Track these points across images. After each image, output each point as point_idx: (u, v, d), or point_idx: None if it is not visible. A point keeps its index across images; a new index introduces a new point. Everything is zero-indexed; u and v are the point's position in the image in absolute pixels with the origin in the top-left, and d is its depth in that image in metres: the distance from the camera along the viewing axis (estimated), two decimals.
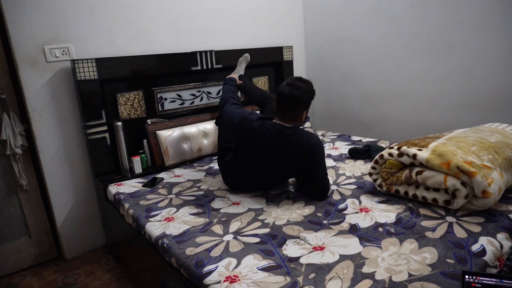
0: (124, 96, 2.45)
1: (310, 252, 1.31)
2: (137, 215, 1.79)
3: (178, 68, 2.64)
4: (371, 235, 1.38)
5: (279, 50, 3.14)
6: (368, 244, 1.32)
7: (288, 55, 3.20)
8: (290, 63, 3.23)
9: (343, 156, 2.39)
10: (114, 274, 2.22)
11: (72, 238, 2.44)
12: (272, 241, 1.41)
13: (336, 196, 1.77)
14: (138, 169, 2.40)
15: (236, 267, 1.26)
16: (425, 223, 1.42)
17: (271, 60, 3.14)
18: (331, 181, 1.97)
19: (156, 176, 2.29)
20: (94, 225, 2.52)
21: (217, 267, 1.27)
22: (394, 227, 1.42)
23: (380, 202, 1.65)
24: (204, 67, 2.74)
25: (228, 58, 2.84)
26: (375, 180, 1.75)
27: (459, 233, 1.33)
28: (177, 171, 2.38)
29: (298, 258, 1.28)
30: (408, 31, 2.66)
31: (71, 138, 2.35)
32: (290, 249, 1.34)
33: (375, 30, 2.88)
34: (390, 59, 2.84)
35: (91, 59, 2.22)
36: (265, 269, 1.23)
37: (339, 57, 3.23)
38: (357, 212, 1.58)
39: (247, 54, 2.69)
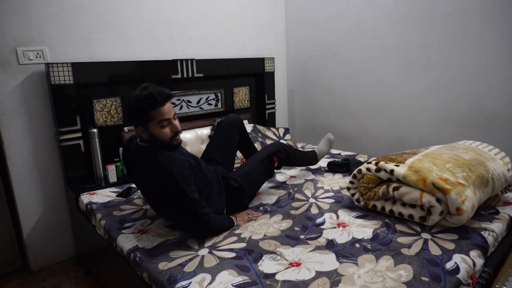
0: (101, 102, 2.38)
1: (286, 268, 1.28)
2: (110, 226, 1.72)
3: (158, 75, 2.59)
4: (348, 251, 1.37)
5: (261, 61, 3.15)
6: (345, 260, 1.30)
7: (270, 66, 3.21)
8: (271, 74, 3.24)
9: (322, 169, 2.39)
10: (82, 287, 2.12)
11: (40, 248, 2.33)
12: (248, 256, 1.38)
13: (314, 210, 1.76)
14: (113, 178, 2.32)
15: (210, 283, 1.22)
16: (401, 240, 1.42)
17: (253, 71, 3.14)
18: (308, 194, 1.96)
19: (131, 185, 2.22)
20: (64, 235, 2.42)
21: (190, 283, 1.23)
22: (370, 243, 1.42)
23: (358, 217, 1.65)
24: (185, 76, 2.71)
25: (210, 67, 2.82)
26: (353, 195, 1.75)
27: (434, 250, 1.33)
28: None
29: (274, 274, 1.25)
30: (389, 47, 2.72)
31: (42, 144, 2.25)
32: (266, 265, 1.31)
33: (357, 45, 2.93)
34: (370, 74, 2.89)
35: (67, 63, 2.15)
36: (239, 286, 1.19)
37: (320, 70, 3.27)
38: (335, 227, 1.57)
39: (331, 137, 2.36)
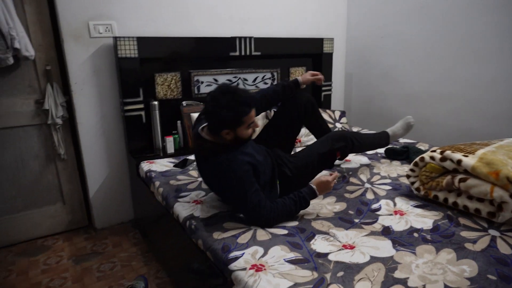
0: (162, 76, 2.47)
1: (340, 249, 1.27)
2: (167, 194, 1.81)
3: (217, 52, 2.62)
4: (405, 240, 1.32)
5: (319, 41, 3.06)
6: (402, 248, 1.26)
7: (329, 47, 3.11)
8: (329, 55, 3.14)
9: (379, 155, 2.30)
10: (140, 248, 2.27)
11: (103, 209, 2.52)
12: (300, 234, 1.38)
13: (369, 195, 1.71)
14: (170, 149, 2.43)
15: (262, 256, 1.24)
16: (465, 234, 1.34)
17: (311, 52, 3.06)
18: (364, 179, 1.91)
19: (187, 158, 2.30)
20: (124, 199, 2.59)
21: (243, 254, 1.26)
22: (430, 234, 1.35)
23: (417, 206, 1.58)
24: (243, 53, 2.71)
25: (267, 45, 2.80)
26: (412, 183, 1.67)
27: (503, 248, 1.24)
28: None
29: (327, 254, 1.24)
30: (458, 32, 2.50)
31: (108, 113, 2.40)
32: (319, 245, 1.31)
33: (423, 29, 2.73)
34: (435, 60, 2.69)
35: (133, 37, 2.24)
36: (292, 262, 1.20)
37: (381, 53, 3.11)
38: (391, 214, 1.52)
39: (411, 120, 2.10)
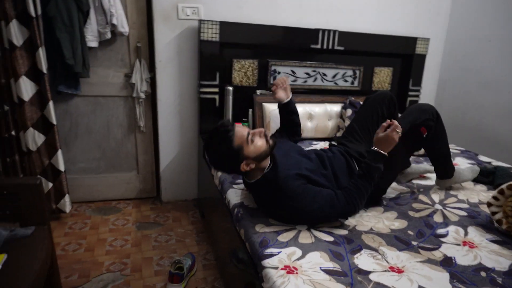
0: (240, 62, 2.50)
1: (385, 270, 1.14)
2: (224, 179, 1.83)
3: (298, 43, 2.56)
4: (467, 277, 1.13)
5: (412, 41, 2.78)
6: (461, 286, 1.08)
7: (422, 48, 2.81)
8: (422, 57, 2.85)
9: None
10: (196, 227, 2.37)
11: (170, 184, 2.67)
12: (346, 245, 1.28)
13: (437, 218, 1.51)
14: None
15: (299, 259, 1.18)
16: None
17: (400, 51, 2.81)
18: (436, 199, 1.69)
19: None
20: (190, 177, 2.71)
21: (280, 252, 1.21)
22: (503, 277, 1.14)
23: (493, 241, 1.34)
24: (324, 47, 2.60)
25: (352, 40, 2.64)
26: (493, 213, 1.43)
27: None
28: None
29: (369, 272, 1.13)
30: None
31: (186, 93, 2.52)
32: (363, 260, 1.19)
33: None
34: None
35: (216, 21, 2.30)
36: (328, 272, 1.12)
37: (485, 60, 2.71)
38: (459, 244, 1.32)
39: (476, 169, 1.88)
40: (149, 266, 1.93)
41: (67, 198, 2.29)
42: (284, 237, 1.31)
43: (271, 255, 1.19)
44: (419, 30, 2.89)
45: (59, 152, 2.21)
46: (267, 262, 1.16)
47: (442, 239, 1.35)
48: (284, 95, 1.74)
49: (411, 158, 1.99)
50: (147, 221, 2.40)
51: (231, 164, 1.40)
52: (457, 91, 2.98)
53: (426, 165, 1.94)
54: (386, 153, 1.37)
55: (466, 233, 1.40)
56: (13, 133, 2.10)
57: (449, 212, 1.57)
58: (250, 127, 2.54)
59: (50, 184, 2.24)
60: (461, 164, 2.18)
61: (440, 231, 1.41)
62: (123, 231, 2.25)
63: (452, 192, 1.77)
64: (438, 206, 1.62)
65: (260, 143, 1.39)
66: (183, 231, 2.31)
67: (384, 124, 1.39)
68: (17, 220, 1.38)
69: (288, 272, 1.11)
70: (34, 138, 2.14)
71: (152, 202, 2.69)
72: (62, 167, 2.23)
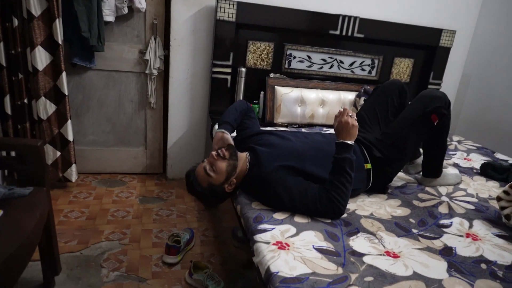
0: (255, 44, 2.46)
1: (380, 254, 1.10)
2: None
3: (316, 28, 2.49)
4: (466, 268, 1.08)
5: (437, 32, 2.67)
6: (458, 275, 1.03)
7: (447, 40, 2.70)
8: (446, 50, 2.73)
9: (474, 171, 1.94)
10: (198, 204, 2.36)
11: (177, 161, 2.67)
12: (343, 227, 1.25)
13: (442, 209, 1.45)
14: None
15: (292, 236, 1.15)
16: None
17: (423, 42, 2.70)
18: (443, 192, 1.62)
19: (263, 129, 2.27)
20: (197, 156, 2.70)
21: (273, 228, 1.19)
22: (504, 270, 1.08)
23: (499, 236, 1.28)
24: (343, 33, 2.53)
25: (373, 28, 2.56)
26: (502, 208, 1.36)
27: None
28: (282, 130, 2.32)
29: (363, 255, 1.09)
30: None
31: (198, 72, 2.50)
32: (359, 243, 1.16)
33: None
34: None
35: (233, 1, 2.26)
36: (320, 250, 1.09)
37: None
38: (461, 236, 1.26)
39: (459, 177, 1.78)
40: (147, 238, 1.94)
41: (73, 167, 2.32)
42: (280, 215, 1.29)
43: (264, 231, 1.17)
44: (445, 22, 2.77)
45: (69, 123, 2.24)
46: (259, 236, 1.14)
47: (444, 229, 1.30)
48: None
49: None
50: (151, 195, 2.42)
51: (218, 197, 1.44)
52: (481, 87, 2.86)
53: None
54: (349, 142, 1.31)
55: (471, 226, 1.34)
56: (25, 101, 2.14)
57: (455, 204, 1.50)
58: (260, 109, 2.51)
59: (58, 153, 2.28)
60: (475, 159, 2.09)
61: (444, 221, 1.35)
62: (126, 203, 2.27)
63: (461, 186, 1.70)
64: (444, 198, 1.55)
65: (220, 165, 1.38)
66: (185, 207, 2.31)
67: (336, 114, 1.37)
68: (19, 181, 1.41)
69: (279, 248, 1.08)
70: (46, 107, 2.17)
71: (157, 178, 2.70)
72: (70, 137, 2.26)
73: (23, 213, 1.22)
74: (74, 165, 2.32)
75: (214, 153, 1.40)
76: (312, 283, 0.93)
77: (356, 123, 1.33)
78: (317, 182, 1.34)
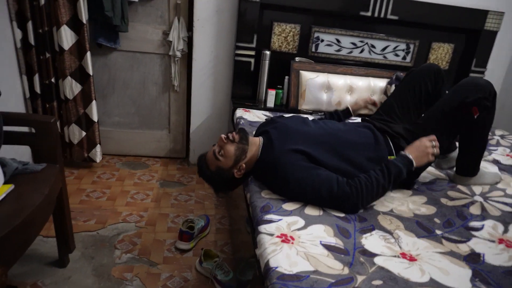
0: (281, 26, 2.35)
1: (394, 256, 1.00)
2: None
3: (346, 9, 2.34)
4: (494, 278, 0.95)
5: (482, 14, 2.42)
6: (483, 286, 0.91)
7: (494, 23, 2.44)
8: (493, 34, 2.48)
9: None
10: None
11: (199, 145, 2.65)
12: (356, 223, 1.15)
13: (474, 210, 1.30)
14: (270, 102, 2.35)
15: (299, 229, 1.07)
16: None
17: (465, 26, 2.47)
18: (476, 191, 1.46)
19: (283, 115, 2.19)
20: None
21: (280, 220, 1.11)
22: None
23: None
24: (376, 15, 2.36)
25: (408, 10, 2.36)
26: None
27: None
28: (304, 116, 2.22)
29: (374, 255, 0.99)
30: None
31: (221, 54, 2.44)
32: (372, 241, 1.06)
33: None
34: None
35: None
36: (327, 247, 1.00)
37: None
38: (493, 241, 1.12)
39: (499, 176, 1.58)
40: (163, 222, 1.94)
41: (98, 148, 2.36)
42: (290, 205, 1.21)
43: (270, 221, 1.10)
44: (491, 2, 2.50)
45: (94, 103, 2.26)
46: (263, 227, 1.08)
47: (473, 233, 1.16)
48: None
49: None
50: (172, 180, 2.41)
51: (227, 182, 1.38)
52: None
53: None
54: (414, 161, 1.22)
55: (505, 230, 1.19)
56: (53, 80, 2.18)
57: (490, 205, 1.35)
58: (284, 94, 2.41)
59: (83, 133, 2.32)
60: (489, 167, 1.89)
61: (474, 223, 1.21)
62: (147, 186, 2.28)
63: (499, 186, 1.53)
64: (478, 198, 1.40)
65: (228, 149, 1.32)
66: (204, 193, 2.29)
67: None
68: (35, 158, 1.42)
69: (283, 241, 1.01)
70: (72, 87, 2.20)
71: (180, 163, 2.70)
72: (95, 118, 2.29)
73: (31, 189, 1.23)
74: (98, 145, 2.36)
75: (223, 136, 1.35)
76: (312, 283, 0.85)
77: (432, 159, 1.27)
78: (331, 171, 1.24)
